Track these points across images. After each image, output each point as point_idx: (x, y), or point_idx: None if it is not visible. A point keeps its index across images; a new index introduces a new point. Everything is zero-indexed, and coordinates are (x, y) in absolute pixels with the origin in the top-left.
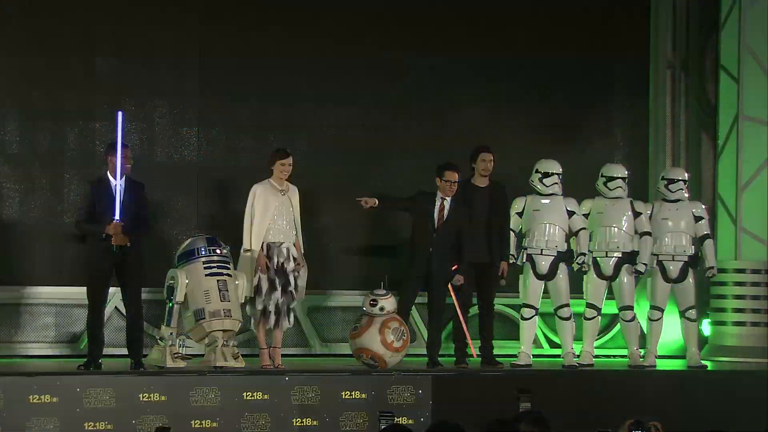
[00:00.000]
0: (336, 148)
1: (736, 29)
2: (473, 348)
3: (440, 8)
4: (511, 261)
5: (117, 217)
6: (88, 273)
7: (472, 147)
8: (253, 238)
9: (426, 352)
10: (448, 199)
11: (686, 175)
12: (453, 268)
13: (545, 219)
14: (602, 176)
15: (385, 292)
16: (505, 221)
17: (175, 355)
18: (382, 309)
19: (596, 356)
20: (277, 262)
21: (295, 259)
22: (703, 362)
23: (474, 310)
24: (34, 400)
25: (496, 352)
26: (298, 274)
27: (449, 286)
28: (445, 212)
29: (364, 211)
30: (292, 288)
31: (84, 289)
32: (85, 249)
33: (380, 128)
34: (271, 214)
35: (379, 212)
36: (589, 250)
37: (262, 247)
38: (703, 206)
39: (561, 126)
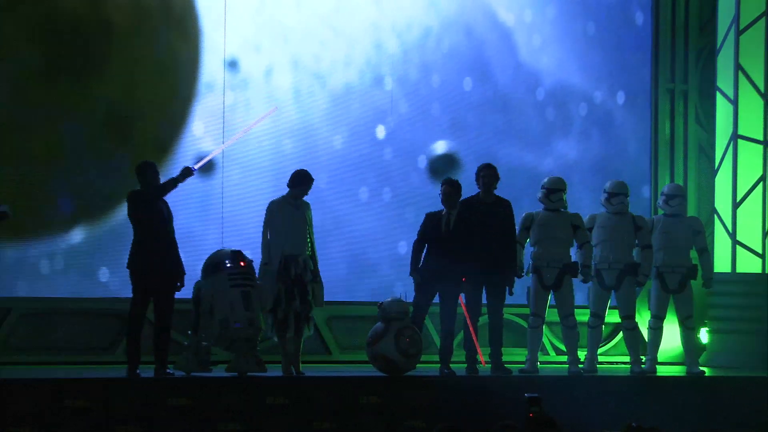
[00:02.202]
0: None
1: (732, 53)
2: (482, 356)
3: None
4: (519, 273)
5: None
6: (135, 283)
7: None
8: (271, 252)
9: (439, 359)
10: (454, 213)
11: (684, 191)
12: (462, 279)
13: (551, 233)
14: (605, 192)
15: (393, 298)
16: (511, 234)
17: (202, 362)
18: (384, 310)
19: (600, 363)
20: (295, 273)
21: (312, 270)
22: (702, 369)
23: (484, 318)
24: (69, 404)
25: (504, 358)
26: (315, 284)
27: (459, 297)
28: (451, 225)
29: (383, 226)
30: (310, 297)
31: (113, 300)
32: (133, 261)
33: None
34: (288, 228)
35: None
36: (593, 263)
37: (280, 259)
38: (701, 221)
39: (572, 144)
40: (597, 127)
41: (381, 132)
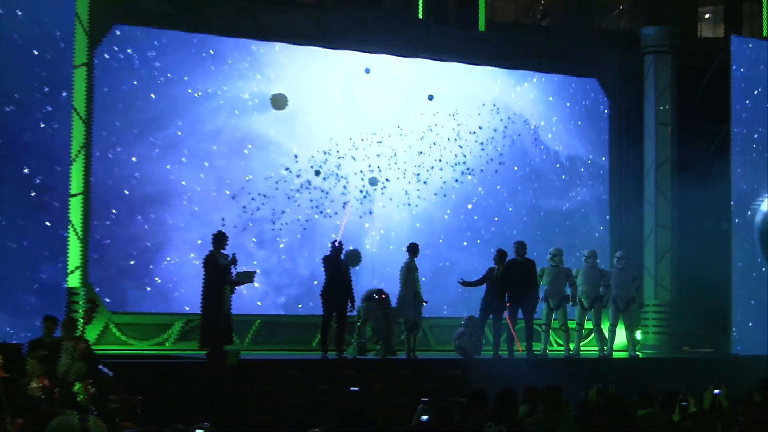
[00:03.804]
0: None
1: (653, 180)
2: (519, 345)
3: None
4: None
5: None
6: (324, 306)
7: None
8: (408, 291)
9: (492, 349)
10: (500, 267)
11: (628, 255)
12: (507, 304)
13: (555, 279)
14: (584, 256)
15: (468, 319)
16: (535, 279)
17: (362, 351)
18: (464, 321)
19: (582, 350)
20: (416, 301)
21: (424, 300)
22: (637, 353)
23: (521, 325)
24: (290, 373)
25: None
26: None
27: (506, 313)
28: (497, 275)
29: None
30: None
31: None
32: (323, 293)
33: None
34: (414, 277)
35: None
36: (578, 295)
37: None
38: (637, 272)
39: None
40: (593, 178)
41: (470, 206)
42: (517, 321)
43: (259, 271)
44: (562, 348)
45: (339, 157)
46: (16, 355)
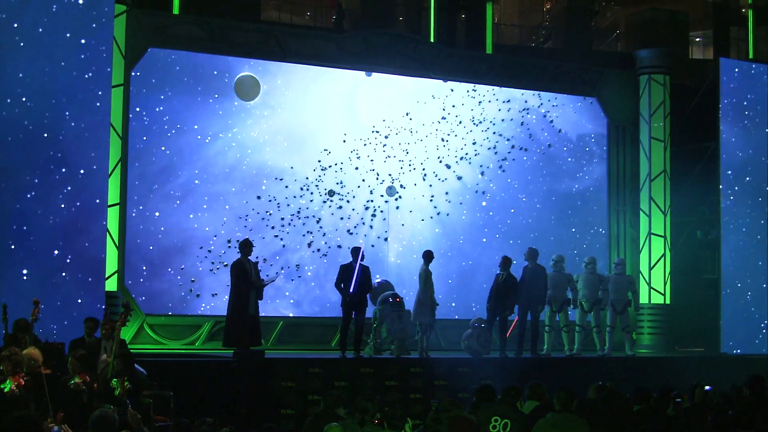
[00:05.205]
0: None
1: (647, 190)
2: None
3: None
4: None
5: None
6: (344, 310)
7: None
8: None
9: (499, 348)
10: (505, 273)
11: (624, 261)
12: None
13: (557, 283)
14: (584, 263)
15: (476, 321)
16: (544, 284)
17: (378, 350)
18: (472, 323)
19: (582, 350)
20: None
21: (436, 303)
22: (633, 352)
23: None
24: (311, 371)
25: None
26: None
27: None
28: (502, 281)
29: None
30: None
31: (332, 318)
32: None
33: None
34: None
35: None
36: (578, 298)
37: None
38: (633, 277)
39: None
40: (598, 156)
41: (484, 203)
42: (526, 323)
43: (280, 275)
44: (565, 348)
45: (341, 169)
46: (58, 354)
